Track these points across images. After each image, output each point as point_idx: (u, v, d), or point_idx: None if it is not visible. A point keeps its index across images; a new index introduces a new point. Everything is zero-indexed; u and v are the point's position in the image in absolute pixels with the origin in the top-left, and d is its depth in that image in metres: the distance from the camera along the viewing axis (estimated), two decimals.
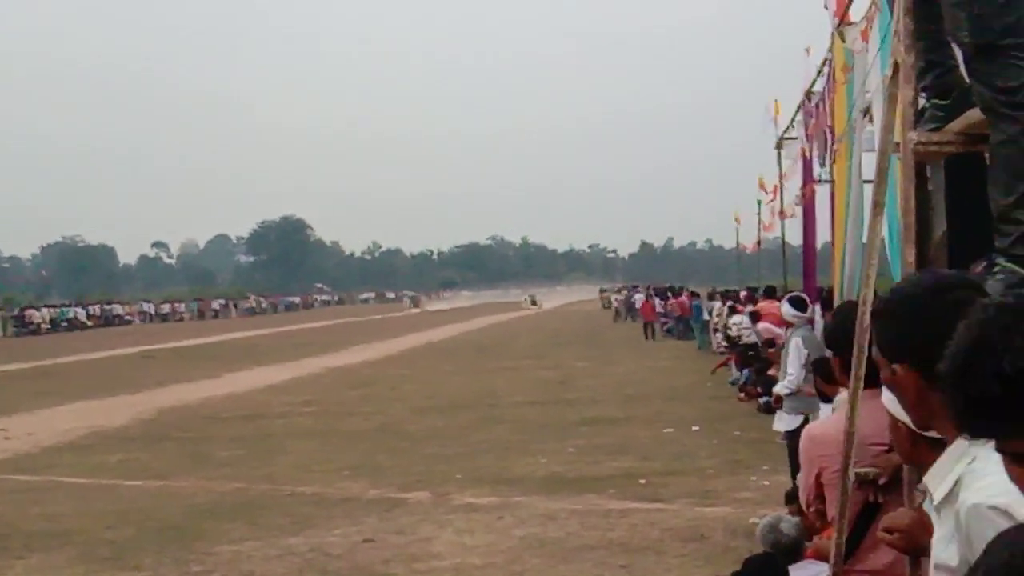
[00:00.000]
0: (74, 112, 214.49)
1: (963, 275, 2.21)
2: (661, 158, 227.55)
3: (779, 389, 9.48)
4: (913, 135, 2.92)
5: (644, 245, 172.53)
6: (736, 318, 20.31)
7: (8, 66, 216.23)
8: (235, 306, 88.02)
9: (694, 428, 13.89)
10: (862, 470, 3.28)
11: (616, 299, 63.53)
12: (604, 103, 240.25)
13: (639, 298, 47.04)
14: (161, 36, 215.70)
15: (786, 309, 9.78)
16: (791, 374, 9.15)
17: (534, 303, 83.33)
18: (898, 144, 3.02)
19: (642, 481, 10.41)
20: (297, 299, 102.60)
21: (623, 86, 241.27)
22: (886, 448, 3.11)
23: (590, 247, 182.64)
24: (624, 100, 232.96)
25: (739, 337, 18.96)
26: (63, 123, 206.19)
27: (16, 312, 62.31)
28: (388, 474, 11.45)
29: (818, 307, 10.96)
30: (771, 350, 13.38)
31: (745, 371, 17.36)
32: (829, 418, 3.56)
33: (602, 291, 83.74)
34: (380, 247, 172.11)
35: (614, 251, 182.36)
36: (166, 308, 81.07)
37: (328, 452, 13.14)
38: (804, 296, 10.45)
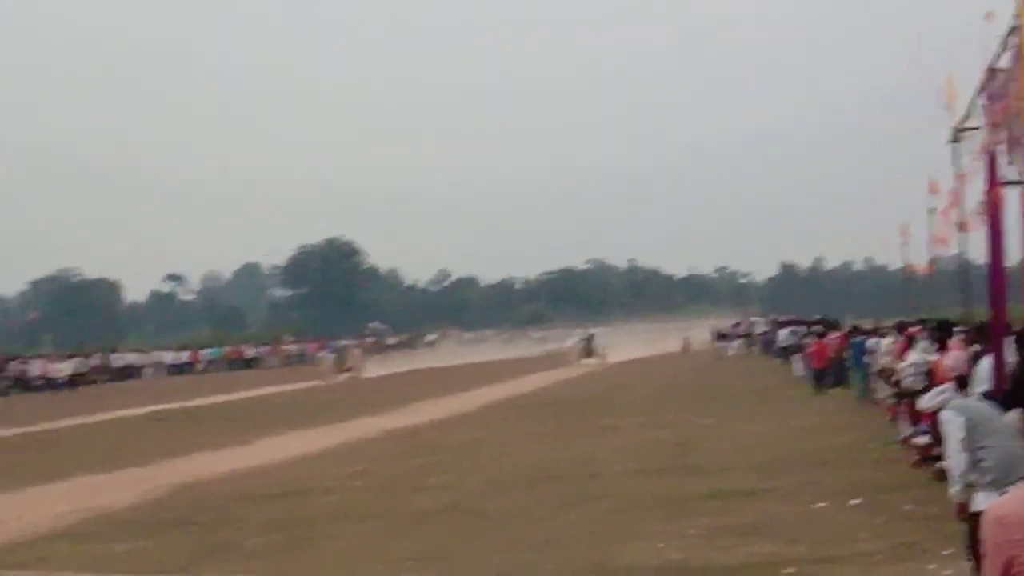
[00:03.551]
0: (64, 113, 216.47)
1: None
2: (807, 163, 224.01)
3: (952, 493, 8.42)
4: None
5: (785, 267, 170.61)
6: (912, 356, 19.91)
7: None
8: (275, 353, 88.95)
9: (853, 502, 13.69)
10: None
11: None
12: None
13: (784, 335, 46.61)
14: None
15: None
16: (953, 469, 8.25)
17: (590, 354, 64.08)
18: None
19: (788, 571, 10.30)
20: (351, 342, 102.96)
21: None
22: None
23: (716, 271, 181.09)
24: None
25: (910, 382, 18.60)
26: (54, 127, 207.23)
27: None
28: (461, 565, 11.48)
29: (1011, 343, 10.79)
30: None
31: (922, 426, 17.06)
32: (1020, 491, 3.46)
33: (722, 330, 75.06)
34: (449, 275, 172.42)
35: (747, 275, 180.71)
36: (184, 356, 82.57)
37: (385, 538, 13.21)
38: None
